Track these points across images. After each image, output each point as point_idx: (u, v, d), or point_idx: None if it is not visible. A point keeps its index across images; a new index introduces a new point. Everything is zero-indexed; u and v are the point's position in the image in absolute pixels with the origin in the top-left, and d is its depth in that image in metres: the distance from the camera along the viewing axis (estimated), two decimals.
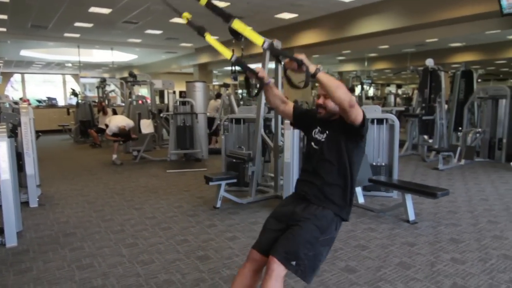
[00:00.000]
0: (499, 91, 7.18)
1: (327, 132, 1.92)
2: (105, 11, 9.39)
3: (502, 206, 4.24)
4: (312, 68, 1.65)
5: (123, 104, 11.86)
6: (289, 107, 2.08)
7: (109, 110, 9.68)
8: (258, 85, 1.94)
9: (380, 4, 8.56)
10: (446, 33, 8.73)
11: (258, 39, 1.81)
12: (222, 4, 8.81)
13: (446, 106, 7.82)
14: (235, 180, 4.38)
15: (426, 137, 7.78)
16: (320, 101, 1.90)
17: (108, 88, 12.27)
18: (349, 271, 2.70)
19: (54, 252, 3.06)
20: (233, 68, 5.08)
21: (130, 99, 8.84)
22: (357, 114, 1.71)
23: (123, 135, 7.01)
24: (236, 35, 2.96)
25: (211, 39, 2.01)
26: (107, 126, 7.20)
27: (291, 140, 4.04)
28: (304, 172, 2.01)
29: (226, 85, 9.27)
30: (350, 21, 9.36)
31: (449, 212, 4.05)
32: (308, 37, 10.72)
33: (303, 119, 2.08)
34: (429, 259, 2.88)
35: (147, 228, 3.63)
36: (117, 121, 7.09)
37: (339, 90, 1.65)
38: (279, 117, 4.57)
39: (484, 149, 7.30)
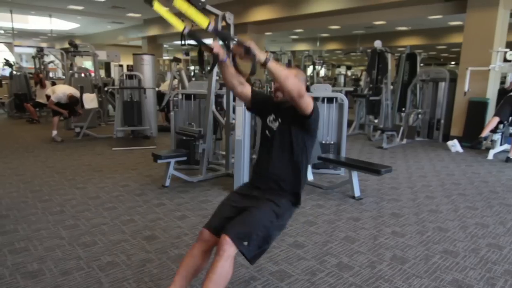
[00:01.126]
0: (439, 74, 7.60)
1: (279, 120, 1.92)
2: None
3: (438, 182, 4.55)
4: (261, 56, 1.61)
5: (64, 77, 11.04)
6: (247, 90, 2.01)
7: (48, 83, 8.95)
8: (212, 61, 1.85)
9: None
10: (393, 16, 8.99)
11: (202, 21, 1.69)
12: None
13: (391, 87, 8.15)
14: (185, 158, 4.26)
15: (371, 117, 8.09)
16: (278, 85, 1.86)
17: (46, 59, 11.30)
18: (297, 246, 2.75)
19: None
20: (184, 41, 4.82)
21: (71, 71, 8.22)
22: (307, 104, 1.73)
23: (72, 103, 6.56)
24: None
25: (160, 8, 1.84)
26: (48, 97, 6.64)
27: (242, 117, 3.98)
28: (259, 162, 2.01)
29: (177, 60, 8.91)
30: None
31: (391, 188, 4.27)
32: (261, 13, 10.57)
33: (260, 104, 2.06)
34: (372, 233, 3.02)
35: (90, 208, 3.43)
36: (64, 89, 6.61)
37: (288, 81, 1.65)
38: (231, 94, 4.47)
39: (424, 129, 7.76)
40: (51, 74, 12.94)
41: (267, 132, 1.98)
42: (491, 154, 5.98)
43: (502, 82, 7.83)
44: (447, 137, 7.21)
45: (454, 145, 6.54)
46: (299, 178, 1.92)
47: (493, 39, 6.64)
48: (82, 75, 8.28)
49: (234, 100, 4.48)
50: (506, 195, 4.10)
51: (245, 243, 1.66)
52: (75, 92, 6.69)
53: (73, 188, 4.01)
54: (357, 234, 2.98)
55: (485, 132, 5.87)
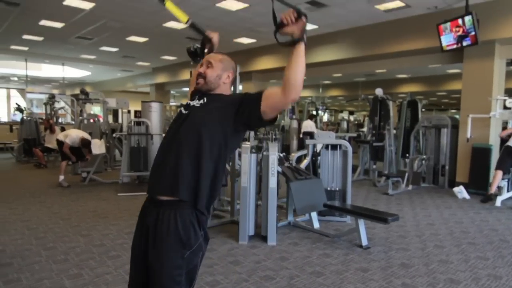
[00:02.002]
0: (441, 121, 7.73)
1: (204, 99, 1.61)
2: (58, 25, 9.02)
3: (447, 231, 4.47)
4: (301, 33, 1.41)
5: (73, 123, 11.30)
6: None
7: (57, 128, 9.17)
8: (208, 50, 1.89)
9: (334, 34, 9.01)
10: (393, 64, 9.32)
11: (182, 17, 1.73)
12: (181, 26, 8.82)
13: (394, 133, 8.26)
14: None
15: (374, 166, 8.13)
16: (201, 69, 1.63)
17: (57, 105, 11.65)
18: None
19: None
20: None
21: (80, 117, 8.44)
22: (281, 109, 1.54)
23: (84, 145, 6.70)
24: (195, 57, 2.84)
25: (170, 5, 1.91)
26: (59, 141, 6.76)
27: (248, 164, 4.03)
28: (157, 155, 1.61)
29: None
30: (306, 49, 9.72)
31: (399, 236, 4.20)
32: (266, 62, 10.98)
33: None
34: (381, 284, 2.94)
35: (94, 256, 3.39)
36: (76, 132, 6.79)
37: (302, 76, 1.44)
38: None
39: (429, 175, 7.75)
40: (60, 120, 13.26)
41: (182, 110, 1.64)
42: (498, 201, 5.92)
43: (504, 128, 7.91)
44: (452, 183, 7.18)
45: (461, 192, 6.51)
46: (206, 178, 1.51)
47: (491, 87, 6.82)
48: (91, 121, 8.50)
49: (239, 147, 4.56)
50: None
51: None
52: (87, 135, 6.86)
53: (78, 235, 3.99)
54: (366, 286, 2.90)
55: (494, 188, 5.91)
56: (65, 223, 4.45)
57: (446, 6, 6.84)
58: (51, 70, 17.27)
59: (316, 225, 4.38)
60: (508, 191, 6.12)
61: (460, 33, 6.45)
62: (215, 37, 1.86)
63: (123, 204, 5.47)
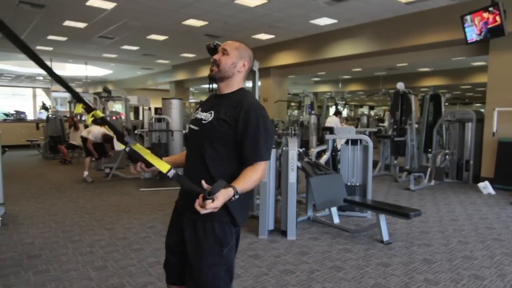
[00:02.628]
0: (465, 115, 7.52)
1: (212, 112, 1.57)
2: (81, 25, 9.25)
3: (471, 227, 4.37)
4: (227, 197, 1.35)
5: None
6: None
7: (81, 126, 9.43)
8: None
9: (354, 29, 8.88)
10: (415, 58, 9.11)
11: (163, 166, 1.41)
12: (199, 24, 8.89)
13: (416, 128, 8.09)
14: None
15: (395, 161, 8.00)
16: (216, 56, 1.60)
17: None
18: None
19: (17, 275, 2.88)
20: (211, 85, 5.05)
21: (103, 115, 8.64)
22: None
23: (106, 140, 6.86)
24: (214, 53, 2.92)
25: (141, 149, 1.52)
26: (83, 138, 6.96)
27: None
28: (186, 168, 1.65)
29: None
30: (325, 44, 9.64)
31: (422, 232, 4.13)
32: (285, 58, 10.94)
33: None
34: (403, 280, 2.91)
35: (118, 249, 3.49)
36: (98, 128, 6.92)
37: (256, 183, 1.49)
38: None
39: (452, 170, 7.57)
40: (84, 117, 13.60)
41: (192, 126, 1.64)
42: None
43: None
44: (477, 179, 6.99)
45: (486, 187, 6.34)
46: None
47: None
48: (113, 118, 8.69)
49: None
50: None
51: None
52: (108, 131, 7.00)
53: (102, 229, 4.10)
54: (387, 281, 2.88)
55: None
56: (90, 217, 4.58)
57: None
58: (75, 69, 17.75)
59: (336, 220, 4.36)
60: None
61: (486, 24, 6.24)
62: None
63: (145, 199, 5.58)
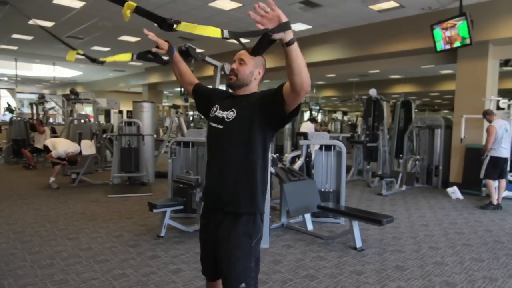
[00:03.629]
0: (434, 121, 7.71)
1: (234, 110, 1.68)
2: (48, 24, 8.86)
3: (441, 232, 4.43)
4: (290, 33, 1.32)
5: (64, 123, 11.15)
6: (191, 88, 1.94)
7: (47, 129, 9.01)
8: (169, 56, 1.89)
9: (328, 35, 8.96)
10: (387, 65, 9.30)
11: (215, 32, 1.59)
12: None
13: (388, 134, 8.23)
14: (181, 207, 4.17)
15: (368, 167, 8.10)
16: (234, 66, 1.72)
17: (47, 105, 11.47)
18: None
19: None
20: (182, 89, 4.92)
21: (71, 118, 8.29)
22: (299, 102, 1.54)
23: (70, 162, 6.52)
24: (186, 56, 2.86)
25: (110, 58, 1.96)
26: (45, 147, 6.60)
27: None
28: (208, 169, 1.76)
29: (175, 107, 9.05)
30: (300, 49, 9.67)
31: (394, 238, 4.15)
32: None
33: (202, 98, 1.90)
34: None
35: (81, 261, 3.28)
36: (65, 146, 6.53)
37: (306, 71, 1.41)
38: None
39: (422, 175, 7.73)
40: (51, 120, 13.06)
41: (214, 124, 1.72)
42: None
43: None
44: (446, 183, 7.16)
45: (454, 192, 6.49)
46: (260, 180, 1.66)
47: (485, 88, 6.81)
48: (82, 121, 8.35)
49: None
50: (511, 245, 3.98)
51: (242, 285, 1.61)
52: (76, 149, 6.64)
53: (65, 239, 3.87)
54: None
55: (494, 199, 5.65)
56: (52, 226, 4.32)
57: (440, 7, 6.82)
58: (42, 70, 17.05)
59: (310, 227, 4.31)
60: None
61: (454, 33, 6.43)
62: (164, 44, 1.86)
63: (113, 206, 5.35)
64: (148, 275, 3.02)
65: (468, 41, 6.31)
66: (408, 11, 7.19)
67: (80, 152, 6.70)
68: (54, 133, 10.24)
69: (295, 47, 1.35)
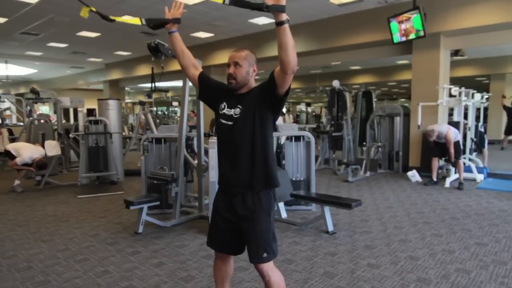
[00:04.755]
0: (394, 110, 8.16)
1: (239, 106, 1.86)
2: (0, 20, 8.41)
3: (404, 212, 4.78)
4: (284, 15, 1.60)
5: (21, 124, 10.64)
6: (197, 73, 2.04)
7: (4, 131, 8.58)
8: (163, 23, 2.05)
9: (291, 28, 9.13)
10: (348, 57, 9.64)
11: (135, 20, 1.78)
12: (135, 21, 8.55)
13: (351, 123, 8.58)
14: (158, 203, 4.21)
15: (334, 155, 8.45)
16: (231, 70, 1.85)
17: (2, 106, 10.89)
18: None
19: None
20: (153, 84, 4.94)
21: (31, 118, 7.96)
22: (290, 81, 1.74)
23: (40, 166, 6.26)
24: (156, 52, 2.97)
25: (120, 18, 2.18)
26: (8, 153, 6.23)
27: (215, 159, 4.04)
28: (223, 159, 1.94)
29: (142, 103, 8.92)
30: (264, 42, 9.81)
31: (362, 220, 4.43)
32: (224, 56, 10.93)
33: (208, 90, 2.01)
34: (349, 266, 3.11)
35: (60, 262, 3.27)
36: (30, 151, 6.20)
37: (294, 50, 1.63)
38: (202, 136, 4.55)
39: (384, 161, 8.17)
40: (7, 121, 12.41)
41: (223, 120, 1.90)
42: (447, 182, 6.40)
43: (450, 114, 8.52)
44: (406, 168, 7.63)
45: (414, 175, 6.95)
46: (269, 163, 1.87)
47: (438, 77, 7.30)
48: (42, 121, 8.04)
49: (205, 142, 4.56)
50: (465, 220, 4.38)
51: (265, 254, 1.87)
52: (41, 153, 6.36)
53: (39, 241, 3.81)
54: (335, 269, 3.05)
55: (434, 175, 6.46)
56: (24, 229, 4.22)
57: (395, 1, 7.19)
58: None
59: (284, 215, 4.50)
60: (455, 173, 6.61)
61: (409, 26, 6.82)
62: (177, 10, 2.03)
63: (85, 206, 5.27)
64: (131, 270, 3.08)
65: (422, 33, 6.74)
66: (366, 4, 7.52)
67: (45, 154, 6.48)
68: (11, 134, 9.77)
69: (285, 27, 1.60)
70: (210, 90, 2.01)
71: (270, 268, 1.89)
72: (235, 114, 1.86)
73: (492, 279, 2.85)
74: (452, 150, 6.12)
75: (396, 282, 2.79)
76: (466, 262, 3.16)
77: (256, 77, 1.99)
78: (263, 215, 1.87)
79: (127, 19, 2.13)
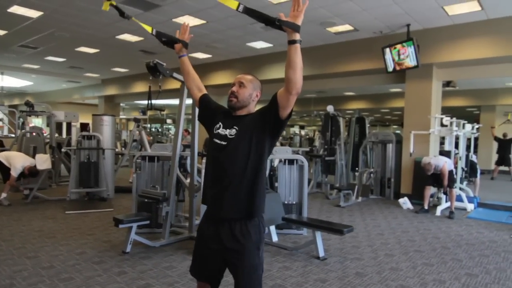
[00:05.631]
0: (386, 137, 8.25)
1: (236, 127, 1.83)
2: None
3: (395, 240, 4.76)
4: (298, 35, 1.63)
5: (12, 136, 10.53)
6: (200, 95, 2.07)
7: None
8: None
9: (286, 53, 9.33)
10: (342, 83, 9.81)
11: (232, 3, 1.72)
12: (134, 39, 8.68)
13: (344, 148, 8.64)
14: (147, 222, 4.16)
15: (326, 179, 8.48)
16: (234, 88, 1.88)
17: None
18: None
19: None
20: (149, 102, 4.96)
21: (23, 130, 7.90)
22: (293, 103, 1.73)
23: (32, 174, 6.21)
24: (154, 72, 3.04)
25: (134, 19, 2.37)
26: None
27: None
28: (210, 181, 1.87)
29: (137, 120, 8.92)
30: (260, 66, 9.96)
31: (353, 247, 4.40)
32: (221, 78, 11.06)
33: (207, 111, 2.02)
34: None
35: (44, 280, 3.18)
36: (21, 160, 6.19)
37: (301, 71, 1.65)
38: (196, 156, 4.55)
39: (376, 187, 8.20)
40: None
41: (217, 140, 1.85)
42: (438, 211, 6.42)
43: (442, 143, 8.63)
44: (398, 194, 7.65)
45: (405, 203, 6.97)
46: (261, 188, 1.82)
47: (430, 106, 7.44)
48: (34, 134, 7.99)
49: (199, 162, 4.55)
50: (456, 250, 4.38)
51: None
52: (31, 162, 6.33)
53: (23, 258, 3.71)
54: None
55: (426, 203, 6.54)
56: (8, 244, 4.12)
57: (390, 32, 7.40)
58: None
59: (275, 238, 4.46)
60: (446, 201, 6.64)
61: (404, 54, 7.00)
62: (185, 35, 2.12)
63: (72, 222, 5.17)
64: None
65: (415, 63, 6.90)
66: (361, 34, 7.72)
67: (35, 165, 6.40)
68: (1, 146, 9.66)
69: (296, 46, 1.63)
70: (208, 111, 2.01)
71: None
72: (230, 135, 1.82)
73: None
74: (446, 182, 6.25)
75: None
76: None
77: (259, 99, 1.99)
78: (252, 248, 1.79)
79: (143, 24, 2.27)
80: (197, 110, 2.95)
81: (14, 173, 6.04)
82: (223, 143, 1.83)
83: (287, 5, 7.05)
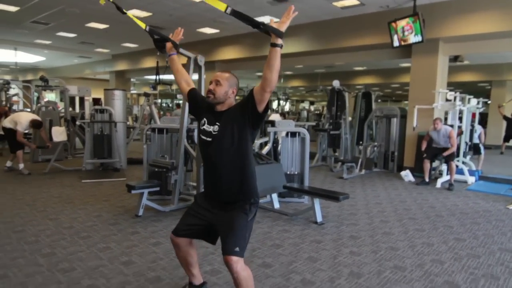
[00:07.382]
0: (391, 111, 8.36)
1: (218, 124, 2.04)
2: (11, 8, 8.66)
3: (392, 209, 5.01)
4: (280, 40, 1.79)
5: (28, 110, 10.89)
6: (188, 89, 2.29)
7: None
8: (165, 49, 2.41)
9: (295, 28, 9.34)
10: (350, 58, 9.83)
11: (220, 5, 1.90)
12: (143, 14, 8.80)
13: (349, 122, 8.79)
14: (158, 188, 4.46)
15: (332, 152, 8.68)
16: (211, 86, 2.05)
17: (11, 92, 11.17)
18: (265, 266, 3.02)
19: None
20: (157, 77, 5.16)
21: (39, 105, 8.23)
22: (267, 99, 1.92)
23: (35, 126, 6.57)
24: (161, 48, 3.32)
25: (130, 14, 2.56)
26: (6, 129, 6.49)
27: None
28: (206, 171, 2.15)
29: (146, 95, 9.17)
30: (267, 41, 9.92)
31: (350, 214, 4.67)
32: (229, 53, 11.16)
33: (194, 106, 2.24)
34: (332, 253, 3.35)
35: (65, 237, 3.53)
36: (25, 116, 6.57)
37: (277, 73, 1.84)
38: None
39: (380, 161, 8.39)
40: (14, 107, 12.69)
41: (203, 137, 2.08)
42: (438, 183, 6.61)
43: (445, 118, 8.69)
44: (401, 168, 7.84)
45: (407, 175, 7.16)
46: (250, 175, 2.05)
47: (435, 81, 7.49)
48: (50, 108, 8.31)
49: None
50: (449, 218, 4.61)
51: (237, 248, 1.92)
52: (35, 116, 6.74)
53: (46, 219, 4.07)
54: (319, 254, 3.29)
55: (426, 176, 6.69)
56: (31, 208, 4.49)
57: (396, 6, 7.38)
58: (2, 54, 16.34)
59: (276, 205, 4.74)
60: (447, 174, 6.81)
61: (408, 31, 7.01)
62: (178, 37, 2.36)
63: (88, 190, 5.54)
64: (130, 247, 3.33)
65: (420, 38, 6.92)
66: (368, 8, 7.71)
67: (51, 136, 6.77)
68: None
69: (277, 50, 1.79)
70: (196, 105, 2.23)
71: (240, 265, 1.90)
72: (214, 131, 2.03)
73: (463, 269, 3.08)
74: (455, 147, 6.42)
75: (374, 268, 3.03)
76: (442, 254, 3.39)
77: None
78: (241, 211, 2.03)
79: (137, 20, 2.47)
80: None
81: (21, 128, 6.38)
82: (208, 139, 2.06)
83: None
